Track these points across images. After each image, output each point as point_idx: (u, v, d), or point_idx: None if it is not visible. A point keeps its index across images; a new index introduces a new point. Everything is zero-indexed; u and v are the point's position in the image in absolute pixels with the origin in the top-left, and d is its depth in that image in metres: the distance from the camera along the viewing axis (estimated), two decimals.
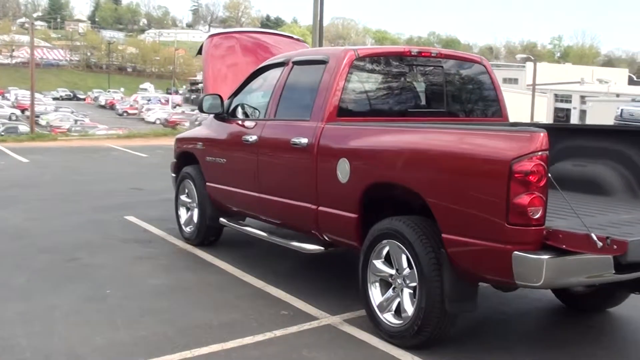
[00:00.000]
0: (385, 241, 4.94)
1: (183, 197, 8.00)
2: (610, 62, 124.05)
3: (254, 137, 6.39)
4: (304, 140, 5.69)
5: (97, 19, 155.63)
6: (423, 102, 6.27)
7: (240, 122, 6.93)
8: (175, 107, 75.47)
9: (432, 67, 6.26)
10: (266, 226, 6.84)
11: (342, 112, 5.68)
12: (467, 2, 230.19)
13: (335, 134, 5.52)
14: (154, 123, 59.35)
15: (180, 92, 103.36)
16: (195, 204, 7.71)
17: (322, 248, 5.90)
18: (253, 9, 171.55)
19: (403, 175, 4.79)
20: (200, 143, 7.47)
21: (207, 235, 7.65)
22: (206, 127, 7.55)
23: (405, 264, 4.80)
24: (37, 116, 44.18)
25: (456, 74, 6.44)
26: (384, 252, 4.99)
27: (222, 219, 7.30)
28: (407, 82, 6.20)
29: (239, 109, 7.11)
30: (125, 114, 71.59)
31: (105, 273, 6.62)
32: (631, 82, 76.50)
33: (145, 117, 66.26)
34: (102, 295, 5.92)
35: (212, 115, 7.46)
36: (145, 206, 10.36)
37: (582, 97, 55.58)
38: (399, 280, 4.88)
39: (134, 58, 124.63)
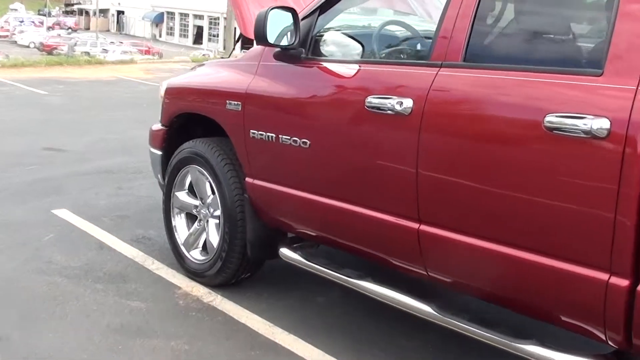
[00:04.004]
0: None
1: (183, 197, 4.39)
2: None
3: (406, 103, 2.87)
4: (600, 124, 2.26)
5: None
6: None
7: (343, 65, 3.35)
8: (68, 31, 68.66)
9: None
10: (387, 276, 3.37)
11: None
12: None
13: None
14: (27, 47, 53.42)
15: (54, 13, 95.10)
16: (212, 213, 4.15)
17: None
18: None
19: None
20: (233, 101, 3.81)
21: (240, 271, 4.10)
22: (243, 71, 3.90)
23: None
24: None
25: None
26: None
27: (287, 252, 3.77)
28: None
29: (331, 42, 3.53)
30: None
31: None
32: None
33: (18, 40, 59.81)
34: None
35: (257, 48, 3.85)
36: (79, 185, 6.61)
37: None
38: None
39: None
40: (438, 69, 2.89)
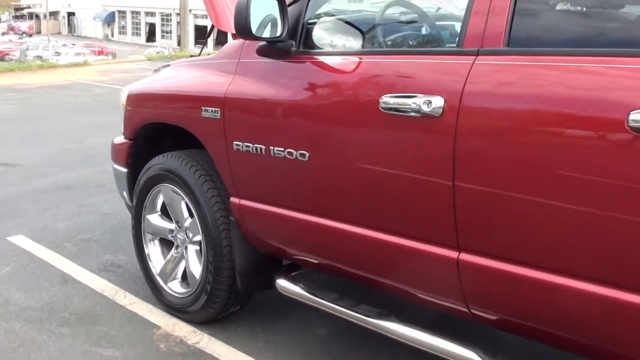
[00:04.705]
0: None
1: (155, 220, 3.80)
2: None
3: (435, 103, 2.33)
4: None
5: None
6: None
7: (345, 59, 2.77)
8: (22, 36, 66.83)
9: None
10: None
11: None
12: None
13: None
14: None
15: (3, 19, 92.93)
16: (191, 238, 3.57)
17: None
18: None
19: None
20: (210, 107, 3.20)
21: (228, 305, 3.50)
22: (220, 71, 3.31)
23: None
24: None
25: None
26: None
27: (287, 284, 3.18)
28: None
29: (327, 31, 2.95)
30: None
31: None
32: None
33: None
34: None
35: (234, 43, 3.26)
36: (37, 205, 5.93)
37: None
38: None
39: None
40: (474, 57, 2.32)
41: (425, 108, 2.37)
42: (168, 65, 4.10)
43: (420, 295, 2.66)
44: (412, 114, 2.41)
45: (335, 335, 3.52)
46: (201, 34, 53.91)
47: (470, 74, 2.30)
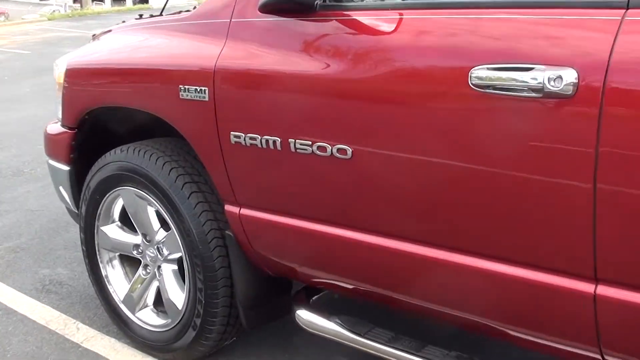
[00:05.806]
0: None
1: (114, 233, 2.97)
2: None
3: (566, 78, 1.59)
4: None
5: None
6: None
7: (408, 14, 1.95)
8: None
9: None
10: None
11: None
12: None
13: None
14: None
15: None
16: (166, 256, 2.71)
17: None
18: None
19: None
20: (192, 86, 2.34)
21: (225, 337, 2.71)
22: (202, 35, 2.45)
23: None
24: None
25: None
26: None
27: (313, 318, 2.38)
28: None
29: None
30: None
31: None
32: None
33: None
34: None
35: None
36: None
37: None
38: None
39: None
40: (622, 11, 1.55)
41: (551, 85, 1.60)
42: (109, 30, 3.18)
43: (530, 338, 1.93)
44: (526, 93, 1.64)
45: None
46: None
47: (619, 37, 1.55)
